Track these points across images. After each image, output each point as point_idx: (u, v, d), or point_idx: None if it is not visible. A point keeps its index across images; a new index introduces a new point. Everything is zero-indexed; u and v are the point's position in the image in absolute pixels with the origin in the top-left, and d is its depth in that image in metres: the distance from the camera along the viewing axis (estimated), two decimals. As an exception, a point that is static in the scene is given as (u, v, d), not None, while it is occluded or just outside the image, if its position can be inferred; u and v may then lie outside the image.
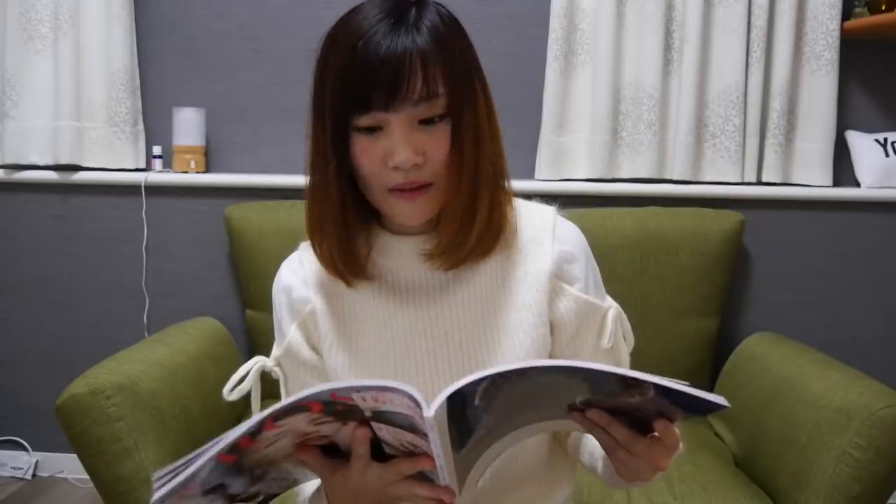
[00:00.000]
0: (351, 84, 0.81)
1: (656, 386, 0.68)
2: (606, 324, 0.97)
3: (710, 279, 1.95)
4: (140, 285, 2.23)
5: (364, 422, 0.74)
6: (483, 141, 0.87)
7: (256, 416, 0.69)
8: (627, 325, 0.99)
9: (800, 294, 2.14)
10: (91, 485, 1.60)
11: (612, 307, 0.98)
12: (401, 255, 0.93)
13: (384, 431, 0.75)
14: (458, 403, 0.70)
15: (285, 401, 0.68)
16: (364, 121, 0.83)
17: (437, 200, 0.88)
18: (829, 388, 1.47)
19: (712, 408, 0.69)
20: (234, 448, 0.70)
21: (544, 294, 0.93)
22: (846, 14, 2.06)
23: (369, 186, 0.87)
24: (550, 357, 0.96)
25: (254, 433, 0.70)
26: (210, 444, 0.69)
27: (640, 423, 0.76)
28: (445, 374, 0.93)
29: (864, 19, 2.02)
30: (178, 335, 1.80)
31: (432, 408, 0.68)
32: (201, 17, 2.18)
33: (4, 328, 2.29)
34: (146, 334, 2.20)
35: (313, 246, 0.93)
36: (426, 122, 0.83)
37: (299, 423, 0.73)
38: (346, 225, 0.89)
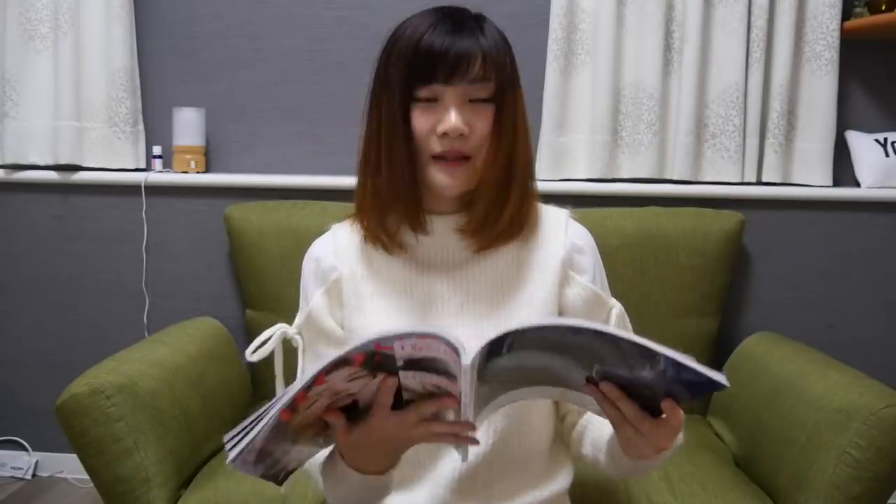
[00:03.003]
0: (417, 62, 0.94)
1: (665, 358, 0.74)
2: (611, 319, 1.06)
3: (710, 279, 1.95)
4: (140, 285, 2.23)
5: (392, 373, 0.80)
6: (520, 132, 1.00)
7: (309, 372, 0.75)
8: (629, 326, 1.08)
9: (800, 294, 2.14)
10: (91, 485, 1.60)
11: (616, 306, 1.07)
12: (434, 231, 1.04)
13: (410, 379, 0.81)
14: (489, 351, 0.77)
15: (334, 355, 0.75)
16: (424, 92, 0.95)
17: (473, 175, 0.99)
18: (829, 388, 1.47)
19: (714, 386, 0.75)
20: (291, 404, 0.76)
21: (555, 277, 1.04)
22: (846, 14, 2.06)
23: (419, 153, 0.98)
24: None
25: (308, 387, 0.76)
26: (271, 402, 0.76)
27: (648, 407, 0.82)
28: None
29: (864, 19, 2.02)
30: (178, 335, 1.80)
31: (469, 356, 0.74)
32: (201, 17, 2.18)
33: (4, 328, 2.29)
34: (146, 334, 2.20)
35: (362, 221, 1.04)
36: (475, 102, 0.96)
37: (339, 379, 0.78)
38: (404, 190, 1.00)
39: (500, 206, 1.00)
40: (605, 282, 1.10)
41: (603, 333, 0.75)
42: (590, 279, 1.06)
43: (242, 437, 0.77)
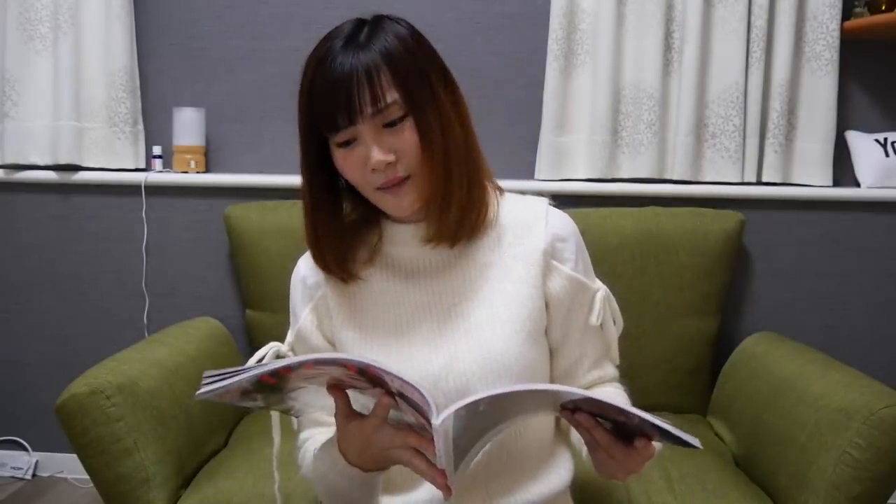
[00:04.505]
0: (316, 109, 0.97)
1: (641, 419, 0.77)
2: (595, 303, 1.06)
3: (710, 279, 1.95)
4: (140, 285, 2.23)
5: (391, 393, 0.83)
6: (450, 128, 0.97)
7: (300, 357, 0.79)
8: (616, 307, 1.09)
9: (800, 294, 2.14)
10: (91, 485, 1.60)
11: (601, 288, 1.08)
12: (404, 241, 1.05)
13: (407, 411, 0.84)
14: (463, 408, 0.78)
15: (327, 354, 0.79)
16: (339, 137, 0.96)
17: (419, 190, 0.97)
18: (829, 388, 1.47)
19: (687, 444, 0.79)
20: (275, 374, 0.80)
21: (538, 269, 1.03)
22: (846, 14, 2.06)
23: (361, 189, 0.99)
24: (546, 334, 1.06)
25: (294, 367, 0.80)
26: (256, 365, 0.81)
27: (621, 428, 0.84)
28: (449, 344, 1.02)
29: (864, 19, 2.02)
30: (178, 335, 1.80)
31: (441, 417, 0.76)
32: (201, 17, 2.18)
33: (4, 328, 2.29)
34: (146, 334, 2.20)
35: (313, 256, 1.05)
36: (391, 124, 0.94)
37: (336, 372, 0.83)
38: (340, 230, 1.03)
39: (448, 199, 0.98)
40: (589, 265, 1.09)
41: (579, 396, 0.79)
42: (573, 266, 1.05)
43: (217, 382, 0.81)
